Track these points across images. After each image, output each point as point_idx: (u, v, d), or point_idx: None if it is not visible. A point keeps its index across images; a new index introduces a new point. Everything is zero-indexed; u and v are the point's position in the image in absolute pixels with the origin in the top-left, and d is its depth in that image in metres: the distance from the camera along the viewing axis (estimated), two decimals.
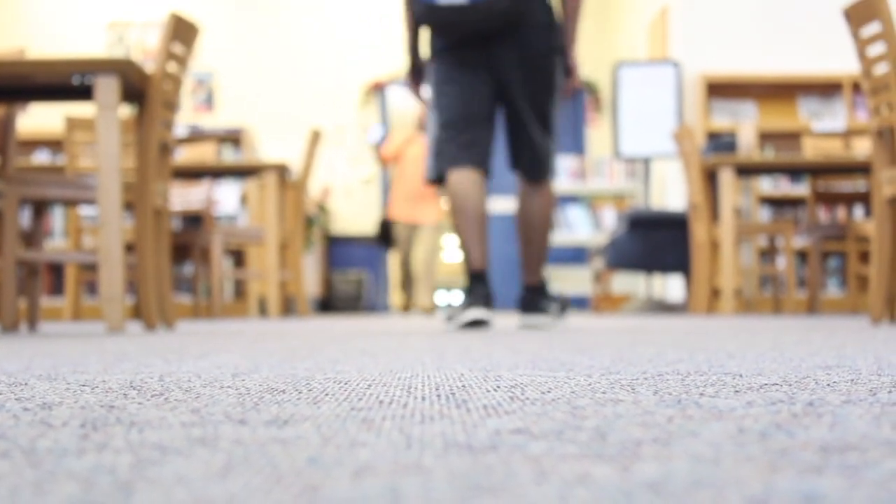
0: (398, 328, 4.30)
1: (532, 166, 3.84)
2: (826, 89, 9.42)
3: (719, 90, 9.43)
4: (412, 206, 9.87)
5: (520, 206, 3.92)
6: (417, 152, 9.70)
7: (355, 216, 11.95)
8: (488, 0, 3.49)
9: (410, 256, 10.02)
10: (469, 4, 3.49)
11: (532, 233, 3.88)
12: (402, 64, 3.31)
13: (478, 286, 3.74)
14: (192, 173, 6.84)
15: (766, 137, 9.23)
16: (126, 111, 6.04)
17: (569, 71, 3.87)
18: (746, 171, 6.88)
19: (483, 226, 3.76)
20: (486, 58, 3.68)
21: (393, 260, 11.87)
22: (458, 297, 9.15)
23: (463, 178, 3.71)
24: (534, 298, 3.89)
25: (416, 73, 3.92)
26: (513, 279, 11.91)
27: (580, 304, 11.64)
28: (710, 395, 1.13)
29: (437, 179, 3.85)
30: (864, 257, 7.60)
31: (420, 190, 9.73)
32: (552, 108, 3.82)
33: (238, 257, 8.42)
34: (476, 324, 3.72)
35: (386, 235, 10.17)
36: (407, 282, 10.15)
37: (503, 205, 11.20)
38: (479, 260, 3.76)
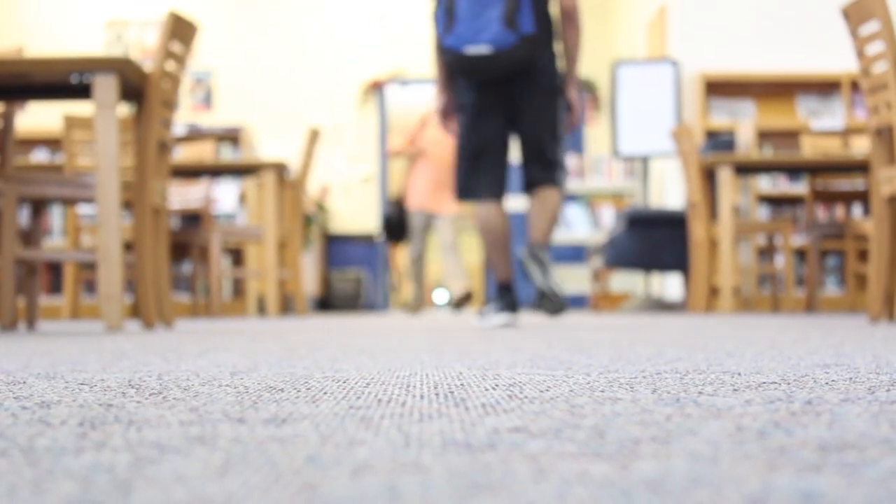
0: (397, 327, 4.30)
1: (543, 171, 4.41)
2: (825, 88, 9.42)
3: (718, 89, 9.43)
4: (431, 195, 9.15)
5: (532, 205, 4.44)
6: (435, 135, 9.01)
7: (354, 215, 11.95)
8: (508, 49, 4.17)
9: (424, 249, 9.28)
10: (492, 54, 4.18)
11: (541, 212, 4.40)
12: (434, 100, 4.35)
13: (505, 295, 4.41)
14: (190, 172, 6.83)
15: (764, 136, 9.23)
16: (124, 110, 6.04)
17: (569, 107, 4.48)
18: (745, 169, 6.88)
19: (507, 246, 4.45)
20: (504, 95, 4.38)
21: (397, 256, 11.73)
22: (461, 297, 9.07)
23: (488, 210, 4.42)
24: (537, 250, 4.34)
25: (449, 110, 4.54)
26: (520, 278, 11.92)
27: (579, 302, 11.64)
28: (709, 394, 1.13)
29: (464, 197, 4.55)
30: (863, 256, 7.60)
31: (441, 177, 9.03)
32: (559, 129, 4.44)
33: (237, 256, 8.41)
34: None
35: (396, 227, 9.39)
36: (418, 278, 9.30)
37: (513, 203, 11.21)
38: (505, 274, 4.45)
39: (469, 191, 4.44)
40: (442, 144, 9.05)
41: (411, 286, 9.43)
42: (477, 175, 4.42)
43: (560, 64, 4.42)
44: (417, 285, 9.37)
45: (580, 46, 4.41)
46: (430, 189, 9.20)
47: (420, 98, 12.09)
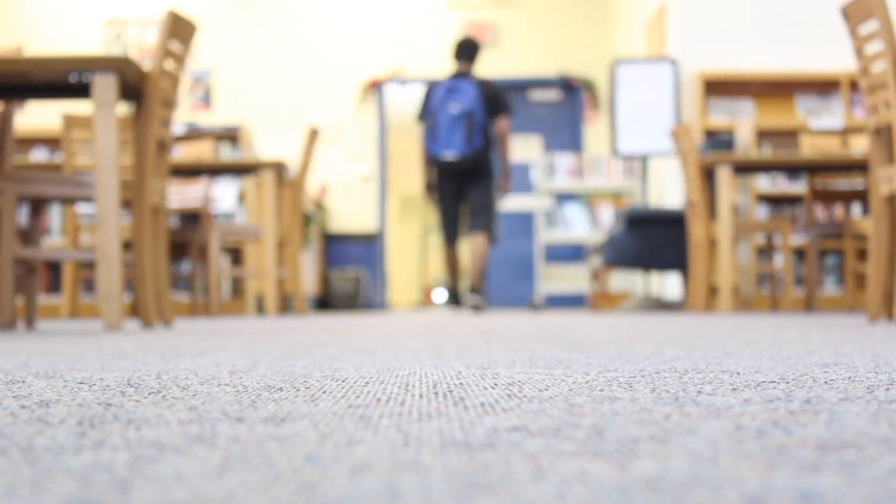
0: (396, 326, 4.30)
1: (476, 225, 7.83)
2: (824, 87, 9.42)
3: (717, 88, 9.43)
4: None
5: (471, 245, 7.90)
6: None
7: (353, 214, 11.94)
8: (465, 157, 7.68)
9: None
10: (456, 159, 7.68)
11: (474, 261, 7.82)
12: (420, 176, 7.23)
13: (451, 288, 8.06)
14: (189, 171, 6.83)
15: (763, 135, 9.23)
16: (123, 109, 6.04)
17: (503, 185, 7.95)
18: (744, 168, 6.88)
19: (458, 269, 8.01)
20: (459, 181, 7.89)
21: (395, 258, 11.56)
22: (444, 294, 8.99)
23: (450, 252, 7.96)
24: (477, 291, 7.87)
25: (431, 186, 7.98)
26: (510, 277, 11.93)
27: (578, 301, 11.64)
28: (708, 393, 1.13)
29: (446, 243, 8.03)
30: (862, 255, 7.60)
31: None
32: (493, 202, 7.87)
33: (236, 255, 8.41)
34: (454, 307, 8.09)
35: None
36: None
37: (512, 203, 11.18)
38: (453, 275, 8.06)
39: (447, 239, 7.89)
40: None
41: None
42: (447, 230, 7.88)
43: (496, 160, 7.84)
44: None
45: (509, 153, 7.87)
46: None
47: (419, 97, 12.07)
